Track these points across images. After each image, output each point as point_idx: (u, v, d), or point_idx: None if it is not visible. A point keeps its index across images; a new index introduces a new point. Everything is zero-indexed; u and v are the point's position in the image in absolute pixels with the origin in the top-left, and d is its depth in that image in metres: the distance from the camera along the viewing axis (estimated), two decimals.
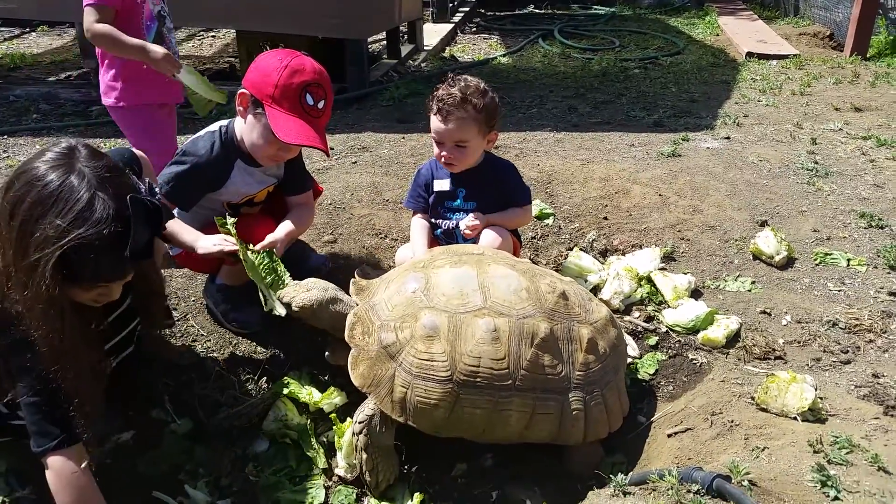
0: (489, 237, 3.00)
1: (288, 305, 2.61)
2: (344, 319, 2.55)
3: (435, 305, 2.44)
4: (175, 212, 2.80)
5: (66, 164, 1.84)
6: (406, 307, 2.47)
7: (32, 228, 1.79)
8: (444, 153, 3.01)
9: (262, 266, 2.65)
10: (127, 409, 2.60)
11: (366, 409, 2.48)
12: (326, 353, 2.79)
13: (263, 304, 2.65)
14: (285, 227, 2.87)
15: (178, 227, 2.70)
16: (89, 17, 3.29)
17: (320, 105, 2.72)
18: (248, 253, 2.65)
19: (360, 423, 2.47)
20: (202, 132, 2.89)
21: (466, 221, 3.03)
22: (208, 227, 2.84)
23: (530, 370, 2.40)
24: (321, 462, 2.61)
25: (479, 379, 2.36)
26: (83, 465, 1.99)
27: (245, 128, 2.80)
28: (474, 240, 3.10)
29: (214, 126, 2.90)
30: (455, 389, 2.35)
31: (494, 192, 3.10)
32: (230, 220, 2.61)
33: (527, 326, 2.42)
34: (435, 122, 2.98)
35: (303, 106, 2.67)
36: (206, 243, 2.64)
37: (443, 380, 2.35)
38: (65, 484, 1.97)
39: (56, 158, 1.86)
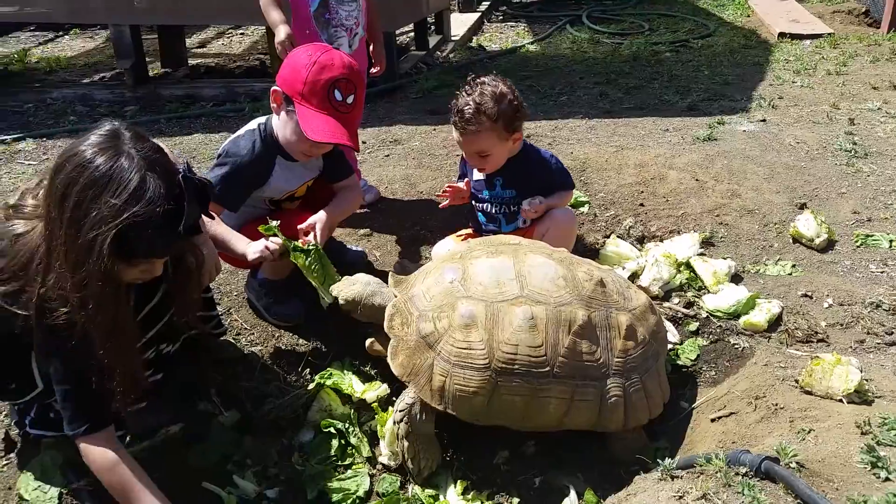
0: (562, 215, 3.13)
1: (335, 299, 2.69)
2: (384, 312, 2.59)
3: (472, 295, 2.46)
4: (223, 215, 2.84)
5: (114, 146, 1.89)
6: (444, 297, 2.50)
7: (87, 208, 1.84)
8: (470, 161, 3.08)
9: (312, 266, 2.68)
10: (175, 403, 2.66)
11: (406, 398, 2.51)
12: (367, 344, 2.83)
13: (322, 301, 2.72)
14: (323, 213, 2.87)
15: (227, 234, 2.73)
16: None
17: (349, 100, 2.74)
18: (298, 255, 2.68)
19: (400, 411, 2.51)
20: (242, 131, 2.93)
21: (531, 202, 3.06)
22: (249, 225, 2.88)
23: (568, 357, 2.40)
24: (365, 451, 2.65)
25: (516, 366, 2.37)
26: (114, 450, 2.07)
27: (279, 124, 2.84)
28: (513, 225, 3.14)
29: (253, 124, 2.94)
30: (493, 377, 2.37)
31: (533, 179, 3.12)
32: (273, 222, 2.64)
33: (564, 314, 2.43)
34: (454, 133, 3.04)
35: (331, 102, 2.69)
36: (257, 248, 2.66)
37: (481, 368, 2.37)
38: (96, 469, 2.08)
39: (102, 142, 1.91)
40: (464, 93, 2.99)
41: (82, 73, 7.73)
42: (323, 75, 2.67)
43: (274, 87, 2.79)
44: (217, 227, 2.68)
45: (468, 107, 2.91)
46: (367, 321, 2.75)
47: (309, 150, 2.84)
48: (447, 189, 3.26)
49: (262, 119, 2.95)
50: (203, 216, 2.06)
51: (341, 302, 2.69)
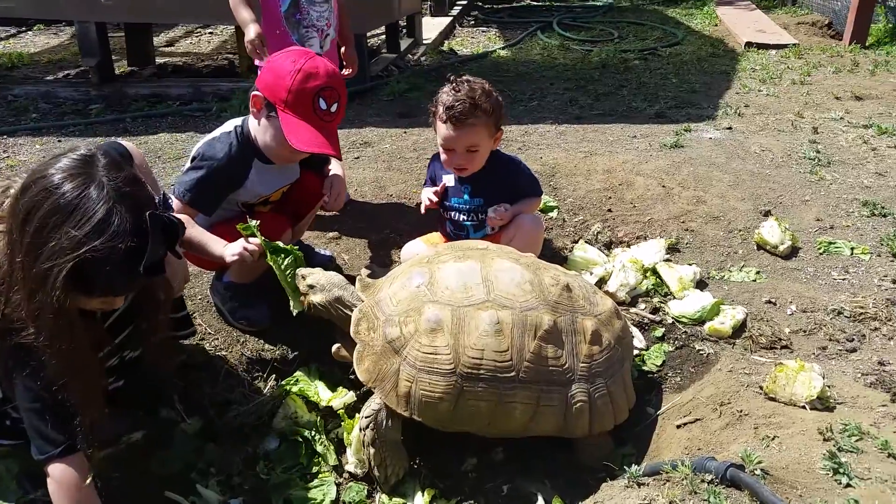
0: (529, 221, 3.08)
1: (303, 280, 2.66)
2: (350, 314, 2.57)
3: (439, 299, 2.45)
4: (198, 218, 2.79)
5: (85, 173, 1.80)
6: (410, 302, 2.48)
7: (47, 237, 1.76)
8: (455, 161, 3.02)
9: (287, 269, 2.63)
10: (137, 410, 2.60)
11: (372, 405, 2.49)
12: (333, 349, 2.80)
13: (292, 307, 2.66)
14: (336, 176, 3.10)
15: (202, 237, 2.68)
16: None
17: (333, 108, 2.72)
18: (277, 256, 2.63)
19: (366, 417, 2.48)
20: (217, 133, 2.88)
21: (496, 210, 3.05)
22: (220, 225, 2.84)
23: (534, 362, 2.40)
24: (332, 459, 2.62)
25: (482, 371, 2.36)
26: (86, 475, 2.00)
27: (259, 129, 2.80)
28: (481, 233, 3.14)
29: (229, 126, 2.89)
30: (459, 382, 2.35)
31: (501, 186, 3.11)
32: (253, 222, 2.59)
33: (530, 318, 2.43)
34: (444, 129, 2.97)
35: (316, 111, 2.66)
36: (234, 249, 2.60)
37: (447, 373, 2.36)
38: (66, 493, 1.99)
39: (73, 167, 1.81)
40: (451, 89, 2.96)
41: (46, 70, 7.58)
42: (308, 84, 2.63)
43: (255, 92, 2.74)
44: (191, 229, 2.63)
45: (462, 102, 2.89)
46: (332, 319, 2.70)
47: (290, 155, 2.82)
48: (432, 198, 3.19)
49: (237, 121, 2.91)
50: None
51: (309, 283, 2.62)
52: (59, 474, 1.99)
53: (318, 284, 2.64)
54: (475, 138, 2.96)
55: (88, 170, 1.81)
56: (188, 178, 2.75)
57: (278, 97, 2.65)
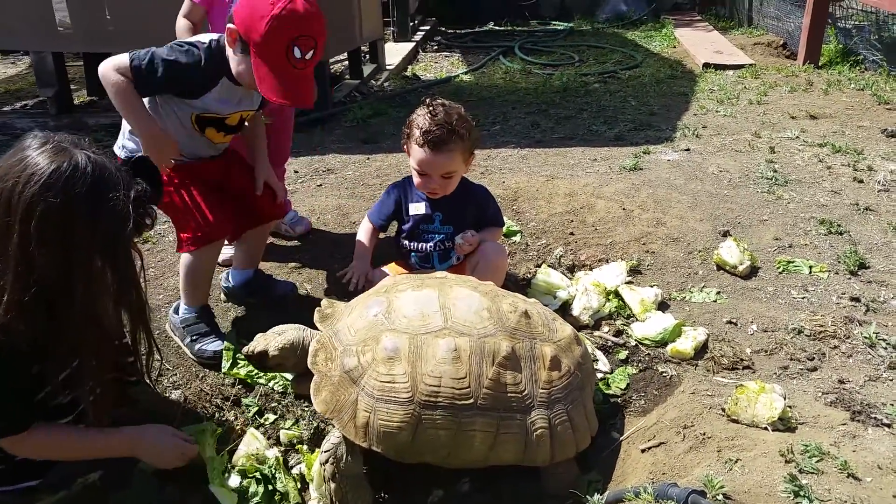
0: (493, 249, 3.08)
1: (264, 354, 2.63)
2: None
3: (396, 328, 2.44)
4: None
5: (65, 149, 1.94)
6: (368, 331, 2.47)
7: (99, 213, 1.91)
8: (430, 185, 3.01)
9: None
10: None
11: (331, 438, 2.45)
12: (291, 382, 2.76)
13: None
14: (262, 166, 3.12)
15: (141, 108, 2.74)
16: (182, 9, 3.52)
17: (308, 56, 2.62)
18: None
19: (325, 452, 2.45)
20: (193, 39, 2.80)
21: (464, 237, 3.06)
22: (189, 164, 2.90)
23: (492, 389, 2.38)
24: (293, 495, 2.56)
25: (440, 399, 2.34)
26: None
27: (233, 58, 2.71)
28: (447, 263, 3.13)
29: (204, 38, 2.80)
30: (417, 411, 2.33)
31: (470, 214, 3.13)
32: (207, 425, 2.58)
33: (488, 345, 2.42)
34: (421, 154, 2.96)
35: (289, 60, 2.58)
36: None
37: (404, 401, 2.33)
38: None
39: (54, 151, 1.92)
40: (428, 113, 2.96)
41: (2, 101, 7.46)
42: (283, 33, 2.52)
43: (230, 26, 2.63)
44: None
45: (441, 127, 2.89)
46: (300, 369, 2.66)
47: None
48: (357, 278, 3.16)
49: (215, 35, 2.81)
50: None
51: (273, 353, 2.62)
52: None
53: (286, 347, 2.63)
54: (452, 164, 2.98)
55: (64, 146, 1.96)
56: (148, 50, 2.66)
57: (251, 39, 2.57)
